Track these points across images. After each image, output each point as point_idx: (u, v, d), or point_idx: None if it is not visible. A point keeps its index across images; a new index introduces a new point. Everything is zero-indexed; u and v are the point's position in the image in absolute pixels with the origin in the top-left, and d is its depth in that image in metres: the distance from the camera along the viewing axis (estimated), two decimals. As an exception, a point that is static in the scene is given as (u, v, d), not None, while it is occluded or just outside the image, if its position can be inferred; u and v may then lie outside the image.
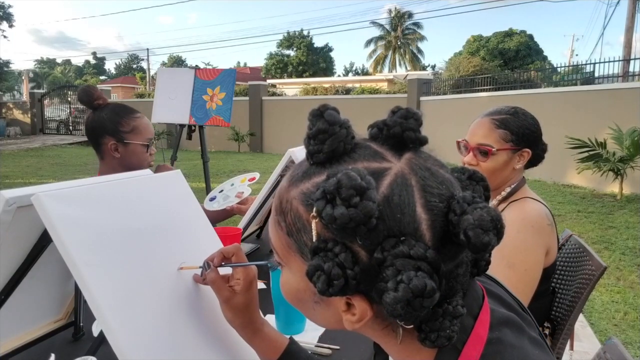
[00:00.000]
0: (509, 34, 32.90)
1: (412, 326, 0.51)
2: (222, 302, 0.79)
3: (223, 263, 0.82)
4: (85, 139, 14.76)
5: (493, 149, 1.46)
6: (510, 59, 31.40)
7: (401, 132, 0.52)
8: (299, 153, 1.67)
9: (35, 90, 26.42)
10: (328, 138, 0.51)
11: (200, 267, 0.85)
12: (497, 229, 0.47)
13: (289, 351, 0.81)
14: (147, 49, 44.36)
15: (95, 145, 1.73)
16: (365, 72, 45.62)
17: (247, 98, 15.53)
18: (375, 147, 0.53)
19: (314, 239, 0.49)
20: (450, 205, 0.48)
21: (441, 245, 0.48)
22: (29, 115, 20.08)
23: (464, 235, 0.46)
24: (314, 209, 0.46)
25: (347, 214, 0.44)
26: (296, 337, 1.20)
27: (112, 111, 1.72)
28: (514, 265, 1.34)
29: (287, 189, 0.54)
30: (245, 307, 0.79)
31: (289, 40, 40.31)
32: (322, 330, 1.24)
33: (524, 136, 1.46)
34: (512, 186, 1.49)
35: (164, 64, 50.75)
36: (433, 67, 42.06)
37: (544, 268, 1.41)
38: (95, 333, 1.16)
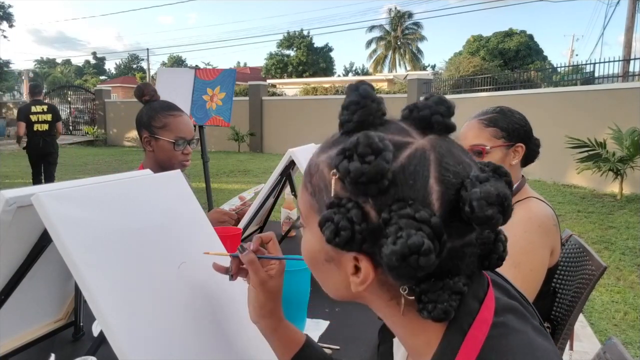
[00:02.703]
0: (509, 34, 32.90)
1: (413, 297, 0.53)
2: (258, 285, 0.79)
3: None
4: (85, 138, 14.76)
5: (487, 147, 1.47)
6: (510, 59, 31.39)
7: (429, 115, 0.54)
8: (299, 153, 1.67)
9: (35, 90, 26.37)
10: (359, 109, 0.54)
11: (228, 254, 0.85)
12: (502, 205, 0.48)
13: (308, 344, 0.82)
14: (147, 49, 44.26)
15: (139, 137, 1.81)
16: (365, 72, 45.61)
17: (247, 98, 15.53)
18: (403, 125, 0.56)
19: (332, 195, 0.52)
20: (463, 182, 0.51)
21: (450, 220, 0.50)
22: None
23: (469, 206, 0.48)
24: (333, 163, 0.51)
25: (361, 168, 0.48)
26: (296, 337, 1.20)
27: (151, 107, 1.79)
28: (520, 265, 1.34)
29: (317, 155, 0.59)
30: (277, 291, 0.82)
31: (289, 40, 40.28)
32: (322, 330, 1.24)
33: (514, 131, 1.48)
34: (514, 186, 1.49)
35: (164, 64, 50.74)
36: (433, 67, 42.07)
37: (547, 268, 1.41)
38: (95, 333, 1.16)
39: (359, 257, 0.52)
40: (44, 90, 6.89)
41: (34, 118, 6.27)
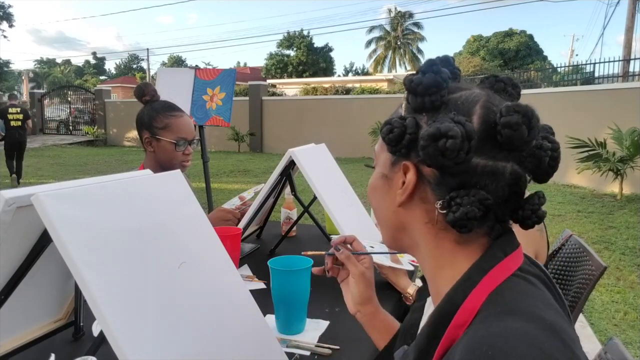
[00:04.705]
0: (509, 34, 32.95)
1: (445, 211, 0.57)
2: (359, 276, 0.91)
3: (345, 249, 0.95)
4: (85, 138, 15.28)
5: None
6: (510, 59, 31.44)
7: (494, 81, 0.64)
8: (299, 153, 1.67)
9: (35, 90, 26.40)
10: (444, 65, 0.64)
11: (323, 253, 0.96)
12: (527, 117, 0.54)
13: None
14: (147, 49, 44.21)
15: (139, 137, 1.81)
16: (365, 72, 45.56)
17: (247, 98, 15.52)
18: (474, 84, 0.65)
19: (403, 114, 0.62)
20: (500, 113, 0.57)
21: (485, 138, 0.56)
22: (29, 115, 20.10)
23: (499, 113, 0.56)
24: (405, 82, 0.60)
25: (420, 78, 0.58)
26: (296, 337, 1.20)
27: (152, 107, 1.78)
28: None
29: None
30: (372, 280, 0.94)
31: (289, 40, 40.24)
32: (322, 330, 1.24)
33: None
34: None
35: (164, 64, 50.73)
36: (433, 67, 41.89)
37: None
38: (95, 333, 1.16)
39: (407, 165, 0.60)
40: (19, 98, 10.33)
41: (10, 117, 8.96)
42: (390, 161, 0.64)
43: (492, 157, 0.56)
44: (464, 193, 0.56)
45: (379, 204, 0.69)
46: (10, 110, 9.05)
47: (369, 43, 43.23)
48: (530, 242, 1.40)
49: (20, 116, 9.09)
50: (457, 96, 0.59)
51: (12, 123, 9.00)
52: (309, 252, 1.00)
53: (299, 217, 2.08)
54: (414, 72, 0.60)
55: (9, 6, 24.27)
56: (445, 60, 0.64)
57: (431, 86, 0.58)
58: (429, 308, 0.73)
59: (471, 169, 0.56)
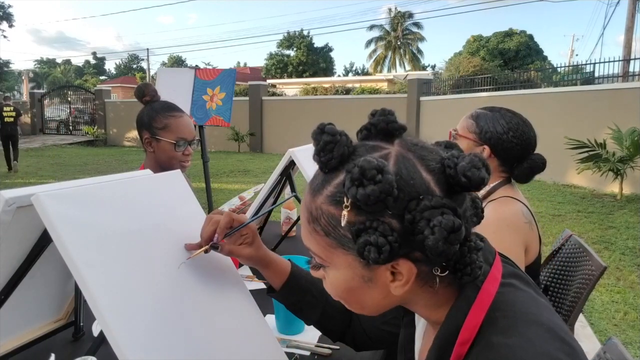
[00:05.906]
0: (509, 34, 32.94)
1: (446, 273, 0.60)
2: (245, 259, 0.92)
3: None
4: (85, 138, 15.71)
5: (453, 132, 1.57)
6: (510, 59, 31.44)
7: (386, 125, 0.62)
8: (299, 153, 1.67)
9: (35, 90, 26.42)
10: (335, 146, 0.60)
11: (206, 248, 0.89)
12: (485, 166, 0.58)
13: (293, 273, 0.95)
14: (147, 49, 44.17)
15: (140, 137, 1.81)
16: (365, 72, 45.55)
17: (247, 98, 15.52)
18: (370, 143, 0.62)
19: (350, 224, 0.57)
20: (443, 164, 0.59)
21: (450, 196, 0.58)
22: (29, 115, 20.09)
23: (464, 177, 0.56)
24: (349, 196, 0.55)
25: (377, 188, 0.53)
26: (296, 337, 1.20)
27: (152, 107, 1.78)
28: None
29: (312, 200, 0.62)
30: (258, 248, 0.93)
31: (289, 40, 40.25)
32: (322, 330, 1.24)
33: (486, 133, 1.48)
34: (492, 185, 1.49)
35: (164, 64, 50.74)
36: (433, 67, 42.09)
37: (525, 266, 1.41)
38: (95, 333, 1.16)
39: (397, 263, 0.58)
40: (12, 98, 13.30)
41: (5, 114, 10.83)
42: (361, 264, 0.60)
43: (460, 203, 0.59)
44: (464, 252, 0.58)
45: (361, 299, 0.64)
46: (4, 108, 10.97)
47: (369, 43, 43.25)
48: (520, 236, 1.39)
49: (13, 113, 10.95)
50: (400, 175, 0.56)
51: (6, 119, 10.86)
52: (193, 256, 0.90)
53: (299, 217, 2.08)
54: (353, 181, 0.54)
55: (9, 6, 24.30)
56: (335, 132, 0.60)
57: (390, 189, 0.54)
58: (420, 320, 0.75)
59: None
